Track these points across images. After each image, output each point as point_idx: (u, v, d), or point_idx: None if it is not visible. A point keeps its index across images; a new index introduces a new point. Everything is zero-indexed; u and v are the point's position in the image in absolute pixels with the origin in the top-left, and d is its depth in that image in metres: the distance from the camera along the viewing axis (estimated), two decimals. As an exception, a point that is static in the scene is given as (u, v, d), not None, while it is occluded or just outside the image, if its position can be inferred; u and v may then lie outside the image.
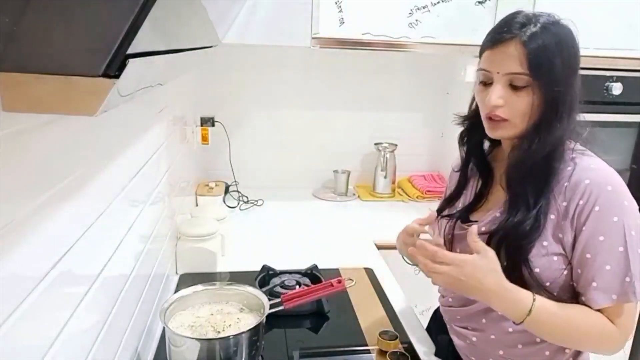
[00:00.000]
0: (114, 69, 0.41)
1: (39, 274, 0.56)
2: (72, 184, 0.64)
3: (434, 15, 1.70)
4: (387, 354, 1.04)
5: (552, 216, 0.91)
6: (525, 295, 0.88)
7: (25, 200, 0.53)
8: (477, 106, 1.02)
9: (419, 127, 2.29)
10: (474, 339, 1.03)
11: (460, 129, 1.08)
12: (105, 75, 0.40)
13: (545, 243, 0.91)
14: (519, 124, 0.91)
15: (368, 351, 1.08)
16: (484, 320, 1.00)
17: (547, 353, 0.96)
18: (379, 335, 1.09)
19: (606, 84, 1.82)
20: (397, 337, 1.08)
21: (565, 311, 0.89)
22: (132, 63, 0.42)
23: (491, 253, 0.89)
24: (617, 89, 1.82)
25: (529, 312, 0.87)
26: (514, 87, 0.89)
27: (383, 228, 1.84)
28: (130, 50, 0.41)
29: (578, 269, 0.90)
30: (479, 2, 1.71)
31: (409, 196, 2.16)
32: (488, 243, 0.94)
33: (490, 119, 0.93)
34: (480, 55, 0.95)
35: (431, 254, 0.91)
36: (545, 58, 0.87)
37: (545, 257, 0.90)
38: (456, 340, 1.08)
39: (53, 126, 0.58)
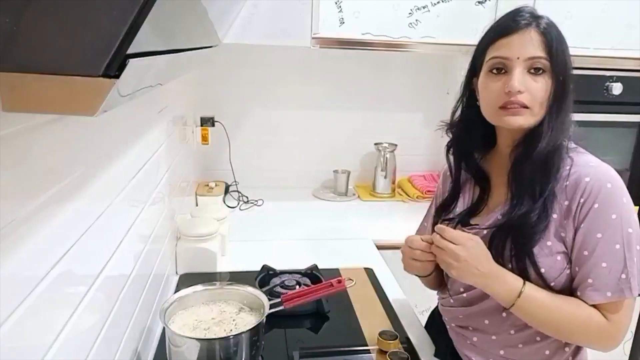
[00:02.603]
0: (114, 69, 0.41)
1: (39, 274, 0.56)
2: (72, 184, 0.64)
3: (434, 15, 1.70)
4: (387, 354, 1.04)
5: (555, 215, 0.91)
6: (516, 279, 0.91)
7: (26, 200, 0.53)
8: (465, 111, 1.03)
9: (419, 127, 2.29)
10: (475, 339, 1.03)
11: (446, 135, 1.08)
12: (105, 75, 0.40)
13: (549, 243, 0.91)
14: (537, 112, 0.91)
15: (368, 351, 1.08)
16: (486, 321, 1.00)
17: (547, 352, 0.97)
18: (379, 335, 1.09)
19: (606, 84, 1.82)
20: (397, 337, 1.08)
21: (556, 301, 0.90)
22: (132, 63, 0.42)
23: (480, 239, 0.93)
24: (617, 89, 1.82)
25: (518, 295, 0.89)
26: (532, 73, 0.90)
27: (383, 228, 1.85)
28: (130, 50, 0.41)
29: (576, 267, 0.90)
30: (479, 2, 1.72)
31: (409, 196, 2.16)
32: (493, 238, 0.95)
33: (505, 107, 0.91)
34: (484, 48, 0.94)
35: (441, 229, 0.94)
36: (560, 47, 0.90)
37: (549, 257, 0.91)
38: (456, 341, 1.08)
39: (53, 126, 0.58)
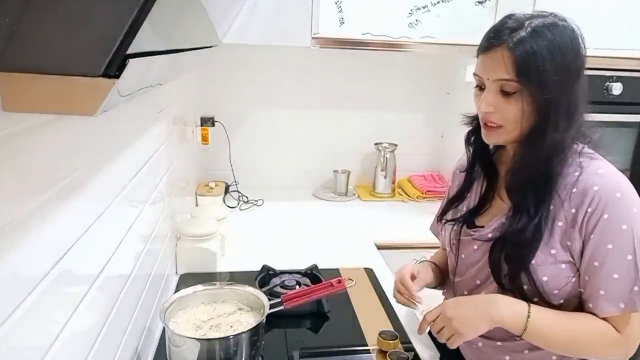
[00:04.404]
0: (114, 69, 0.41)
1: (39, 274, 0.56)
2: (72, 184, 0.64)
3: (434, 15, 1.70)
4: (387, 354, 1.04)
5: (560, 223, 0.89)
6: (521, 303, 0.90)
7: (25, 200, 0.53)
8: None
9: (419, 127, 2.29)
10: (480, 344, 1.02)
11: (466, 128, 1.06)
12: (105, 75, 0.40)
13: (553, 251, 0.89)
14: (512, 130, 0.90)
15: (368, 351, 1.08)
16: (490, 329, 0.98)
17: (553, 358, 0.95)
18: (379, 335, 1.09)
19: (606, 84, 1.83)
20: (397, 337, 1.08)
21: (565, 319, 0.89)
22: (132, 63, 0.42)
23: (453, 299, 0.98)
24: (617, 89, 1.82)
25: (527, 317, 0.88)
26: (504, 93, 0.88)
27: (383, 228, 1.85)
28: (130, 50, 0.41)
29: (586, 276, 0.88)
30: (479, 2, 1.71)
31: (409, 196, 2.16)
32: (492, 250, 0.94)
33: (485, 124, 0.92)
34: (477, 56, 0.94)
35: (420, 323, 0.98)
36: (534, 64, 0.84)
37: (553, 265, 0.89)
38: (461, 345, 1.04)
39: (53, 126, 0.58)
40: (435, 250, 1.28)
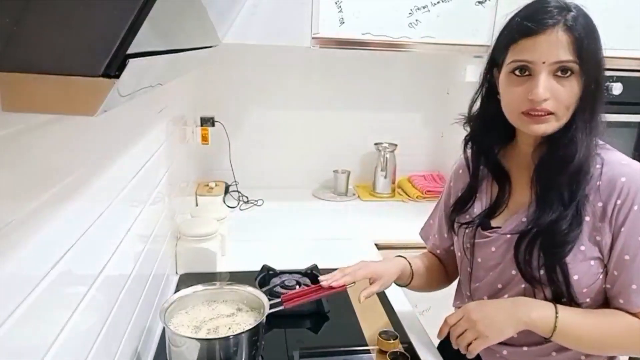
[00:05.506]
0: (114, 69, 0.41)
1: (39, 274, 0.56)
2: (72, 184, 0.64)
3: (434, 15, 1.70)
4: (387, 354, 1.04)
5: (587, 218, 0.86)
6: (548, 304, 0.88)
7: (25, 200, 0.53)
8: (484, 104, 0.98)
9: (419, 127, 2.29)
10: (505, 352, 0.98)
11: (466, 128, 1.03)
12: (105, 75, 0.40)
13: (582, 247, 0.86)
14: (562, 116, 0.85)
15: (368, 351, 1.08)
16: (515, 334, 0.93)
17: (582, 357, 0.94)
18: (379, 335, 1.09)
19: (606, 84, 1.82)
20: (397, 337, 1.08)
21: (594, 316, 0.87)
22: (132, 63, 0.42)
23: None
24: (617, 89, 1.82)
25: (555, 317, 0.85)
26: (557, 77, 0.83)
27: (383, 228, 1.85)
28: (130, 50, 0.41)
29: (615, 271, 0.86)
30: (479, 2, 1.71)
31: (409, 196, 2.16)
32: (517, 246, 0.91)
33: (529, 114, 0.85)
34: (506, 45, 0.87)
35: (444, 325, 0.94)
36: (591, 43, 0.83)
37: (583, 263, 0.86)
38: (484, 356, 1.01)
39: (53, 126, 0.58)
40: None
